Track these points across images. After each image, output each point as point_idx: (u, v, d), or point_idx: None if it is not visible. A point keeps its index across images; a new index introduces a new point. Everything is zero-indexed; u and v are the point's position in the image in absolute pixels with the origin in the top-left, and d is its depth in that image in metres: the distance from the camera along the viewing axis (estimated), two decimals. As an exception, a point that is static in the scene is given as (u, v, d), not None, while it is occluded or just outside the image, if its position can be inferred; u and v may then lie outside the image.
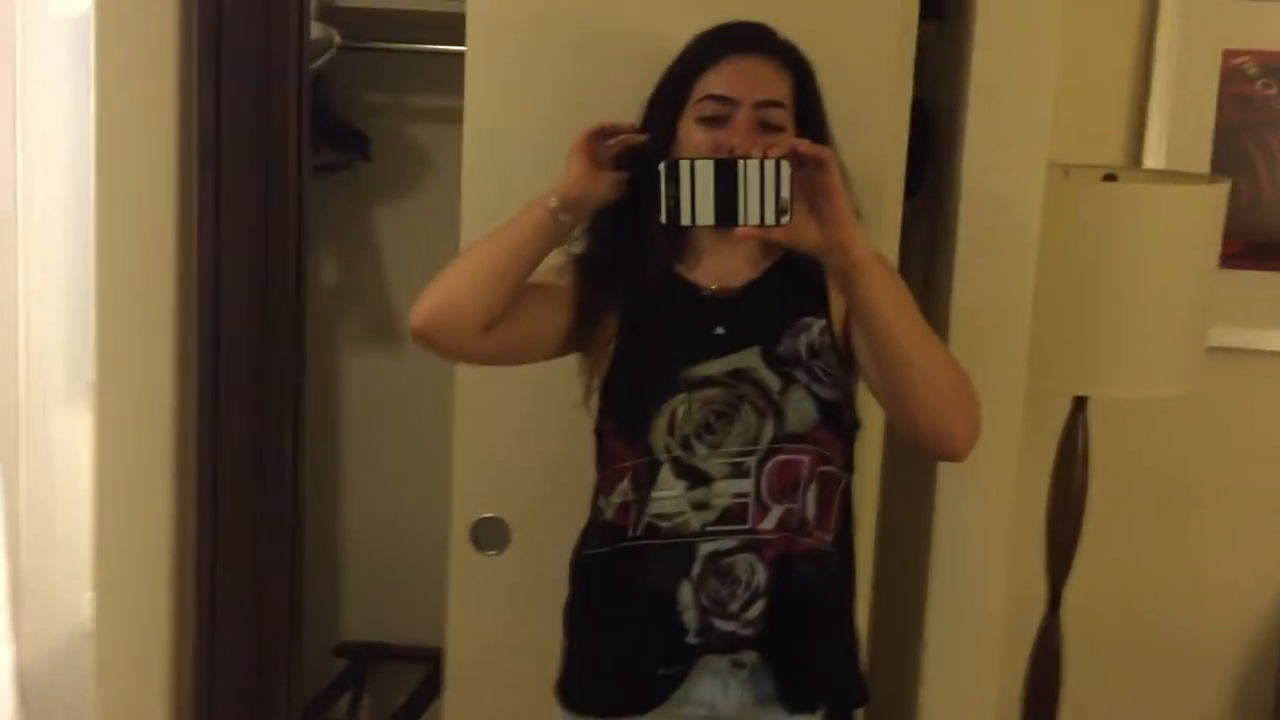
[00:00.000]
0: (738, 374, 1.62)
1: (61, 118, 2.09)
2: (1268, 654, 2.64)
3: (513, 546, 1.99)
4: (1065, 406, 2.24)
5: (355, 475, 2.99)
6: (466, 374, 1.96)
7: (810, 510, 1.63)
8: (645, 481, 1.63)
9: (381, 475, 2.96)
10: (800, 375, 1.62)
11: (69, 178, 2.09)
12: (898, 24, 1.91)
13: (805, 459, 1.62)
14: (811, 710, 1.68)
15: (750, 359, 1.63)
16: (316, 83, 2.54)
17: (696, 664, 1.65)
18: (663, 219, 1.47)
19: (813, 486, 1.63)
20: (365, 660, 2.99)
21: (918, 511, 2.13)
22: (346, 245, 2.91)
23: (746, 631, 1.62)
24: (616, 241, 1.67)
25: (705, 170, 1.45)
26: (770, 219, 1.46)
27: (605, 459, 1.68)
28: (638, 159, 1.62)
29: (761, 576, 1.62)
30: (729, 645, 1.64)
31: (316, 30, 2.30)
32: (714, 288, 1.68)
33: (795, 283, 1.67)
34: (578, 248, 1.70)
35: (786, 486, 1.62)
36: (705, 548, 1.61)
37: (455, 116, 1.94)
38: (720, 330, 1.64)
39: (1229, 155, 2.49)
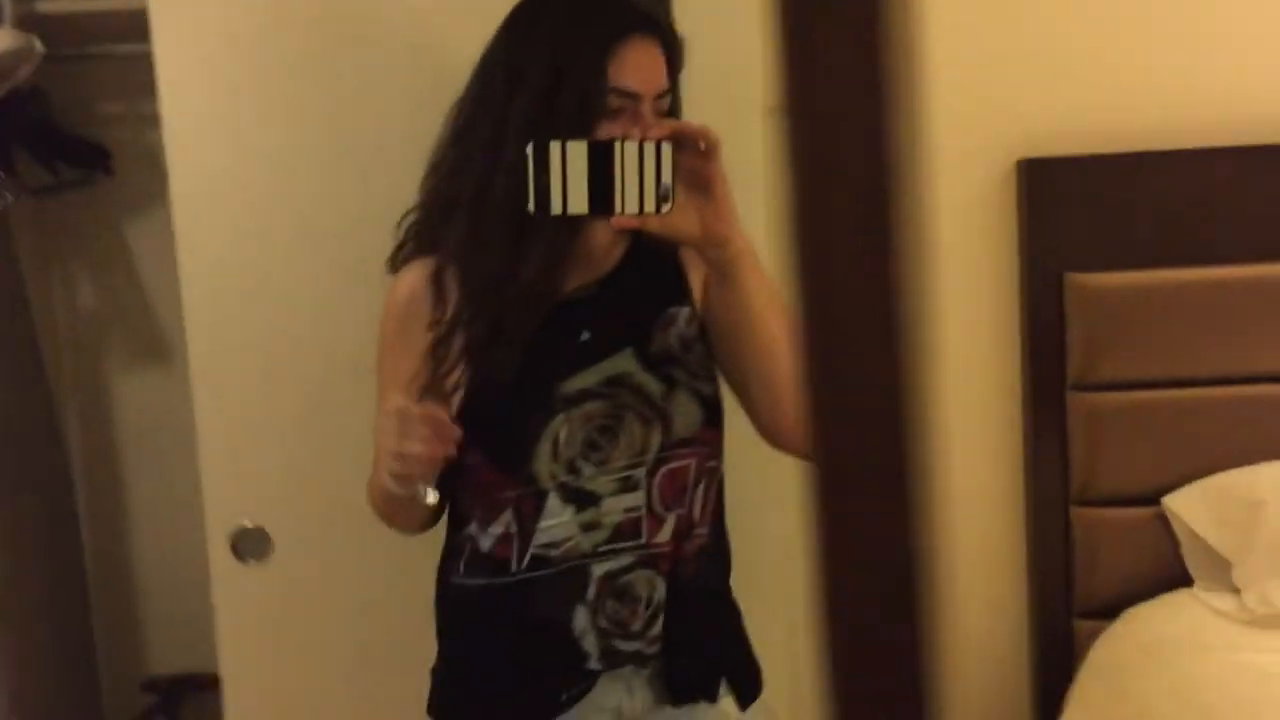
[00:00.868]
0: (615, 382, 1.49)
1: None
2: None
3: (275, 554, 1.92)
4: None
5: (140, 500, 2.86)
6: (203, 385, 1.90)
7: (697, 510, 1.54)
8: (530, 514, 1.49)
9: (168, 498, 2.84)
10: (680, 375, 1.51)
11: None
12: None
13: (693, 461, 1.52)
14: (714, 695, 1.58)
15: (625, 363, 1.49)
16: (36, 96, 2.41)
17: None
18: (530, 208, 1.31)
19: (700, 487, 1.53)
20: (177, 692, 2.87)
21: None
22: (100, 264, 2.77)
23: (651, 649, 1.52)
24: (484, 260, 1.46)
25: (578, 153, 1.30)
26: (650, 207, 1.32)
27: (476, 489, 1.52)
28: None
29: (661, 591, 1.51)
30: (634, 663, 1.53)
31: (10, 39, 2.14)
32: (569, 288, 1.50)
33: (652, 270, 1.53)
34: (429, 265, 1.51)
35: (677, 492, 1.51)
36: (599, 569, 1.50)
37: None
38: (586, 335, 1.49)
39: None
